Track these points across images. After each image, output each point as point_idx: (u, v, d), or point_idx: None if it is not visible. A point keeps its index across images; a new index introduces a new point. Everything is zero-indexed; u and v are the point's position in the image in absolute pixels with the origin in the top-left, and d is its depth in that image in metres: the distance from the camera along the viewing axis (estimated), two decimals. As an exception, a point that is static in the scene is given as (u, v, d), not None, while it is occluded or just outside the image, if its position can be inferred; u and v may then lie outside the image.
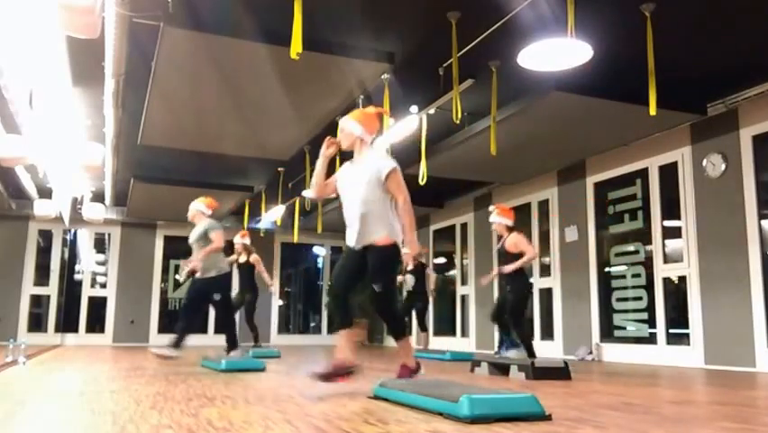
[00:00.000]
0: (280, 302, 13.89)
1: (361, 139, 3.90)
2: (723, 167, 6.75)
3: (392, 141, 6.54)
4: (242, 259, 8.53)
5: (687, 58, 5.59)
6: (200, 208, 6.30)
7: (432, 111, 6.23)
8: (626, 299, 7.91)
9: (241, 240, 8.63)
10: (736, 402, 3.71)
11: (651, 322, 7.51)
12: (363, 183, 3.77)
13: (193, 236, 6.13)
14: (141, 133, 7.15)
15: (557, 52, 4.64)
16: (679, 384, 4.96)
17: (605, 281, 8.27)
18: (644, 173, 7.75)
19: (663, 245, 7.46)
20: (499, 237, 5.82)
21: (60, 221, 11.21)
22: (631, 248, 7.93)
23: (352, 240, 3.82)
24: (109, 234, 12.70)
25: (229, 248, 7.34)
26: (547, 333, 9.04)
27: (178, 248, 12.89)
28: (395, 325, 4.06)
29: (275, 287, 9.19)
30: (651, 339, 7.49)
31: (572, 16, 4.24)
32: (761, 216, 6.40)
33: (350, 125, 3.91)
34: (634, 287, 7.80)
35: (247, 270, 8.52)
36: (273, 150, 8.03)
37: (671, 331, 7.29)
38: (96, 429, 2.44)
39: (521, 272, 5.60)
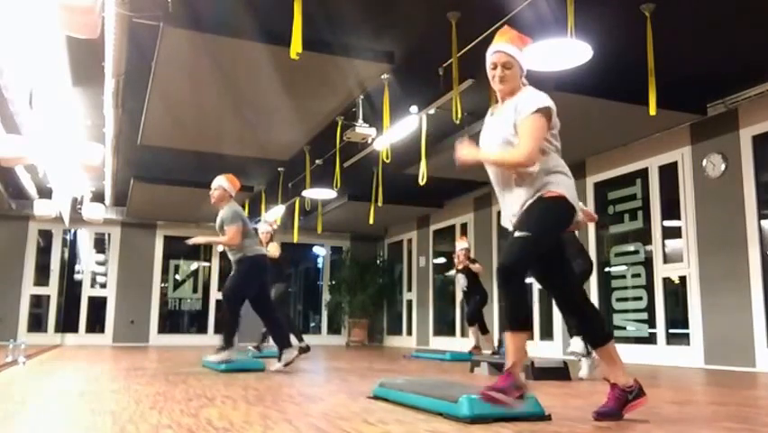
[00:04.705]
0: (280, 302, 13.88)
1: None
2: (723, 167, 6.75)
3: (392, 141, 6.54)
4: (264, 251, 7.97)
5: (687, 58, 5.59)
6: (224, 185, 5.63)
7: (432, 111, 6.23)
8: (626, 299, 7.91)
9: (266, 228, 8.03)
10: (736, 402, 3.71)
11: (651, 322, 7.51)
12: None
13: (216, 224, 5.62)
14: (141, 133, 7.16)
15: (557, 52, 4.63)
16: (679, 384, 4.96)
17: (605, 281, 8.27)
18: (644, 173, 7.75)
19: (663, 245, 7.46)
20: None
21: (60, 221, 11.20)
22: (631, 248, 7.93)
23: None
24: (109, 234, 12.70)
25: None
26: (547, 333, 9.04)
27: (177, 248, 12.90)
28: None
29: None
30: (651, 339, 7.49)
31: (572, 16, 4.24)
32: (761, 216, 6.40)
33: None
34: (634, 287, 7.80)
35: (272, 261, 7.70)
36: (273, 150, 8.03)
37: (670, 331, 7.29)
38: (96, 429, 2.44)
39: None
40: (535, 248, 2.67)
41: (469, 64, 5.26)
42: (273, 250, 7.79)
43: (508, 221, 2.83)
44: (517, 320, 2.61)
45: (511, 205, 2.79)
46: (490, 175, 2.91)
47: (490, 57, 2.89)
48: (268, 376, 5.08)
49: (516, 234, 2.65)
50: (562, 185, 2.74)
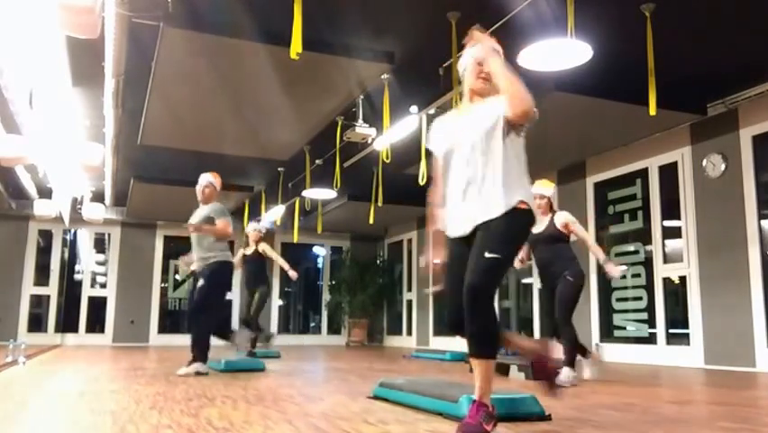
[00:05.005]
0: (280, 302, 13.89)
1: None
2: (723, 167, 6.75)
3: (392, 141, 6.53)
4: (250, 250, 7.96)
5: (687, 58, 5.59)
6: (214, 182, 5.52)
7: (432, 111, 6.23)
8: (625, 299, 7.91)
9: (257, 226, 8.09)
10: (735, 402, 3.71)
11: (651, 322, 7.51)
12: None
13: (195, 218, 5.42)
14: (141, 133, 7.16)
15: (557, 52, 4.64)
16: (679, 384, 4.96)
17: (605, 281, 8.27)
18: (644, 173, 7.75)
19: (663, 245, 7.46)
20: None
21: (60, 221, 11.21)
22: (631, 248, 7.93)
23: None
24: (109, 234, 12.70)
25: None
26: (547, 333, 9.03)
27: (177, 248, 12.90)
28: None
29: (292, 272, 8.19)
30: (651, 339, 7.49)
31: (572, 16, 4.24)
32: (761, 216, 6.40)
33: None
34: (634, 287, 7.80)
35: (257, 262, 7.99)
36: (273, 150, 8.03)
37: (671, 331, 7.29)
38: (96, 429, 2.44)
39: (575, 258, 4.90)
40: (504, 270, 2.50)
41: (469, 64, 5.25)
42: (266, 249, 7.92)
43: (461, 228, 2.55)
44: (487, 347, 2.42)
45: (478, 211, 2.51)
46: (459, 173, 2.58)
47: (472, 57, 2.67)
48: (268, 376, 5.08)
49: (487, 254, 2.40)
50: (530, 197, 2.58)
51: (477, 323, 2.40)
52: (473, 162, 2.54)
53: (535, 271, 9.37)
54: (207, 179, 5.58)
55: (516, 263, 4.68)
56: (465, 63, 2.71)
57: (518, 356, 4.67)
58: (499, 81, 2.52)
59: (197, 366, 5.04)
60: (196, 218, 5.45)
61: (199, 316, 5.27)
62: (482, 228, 2.48)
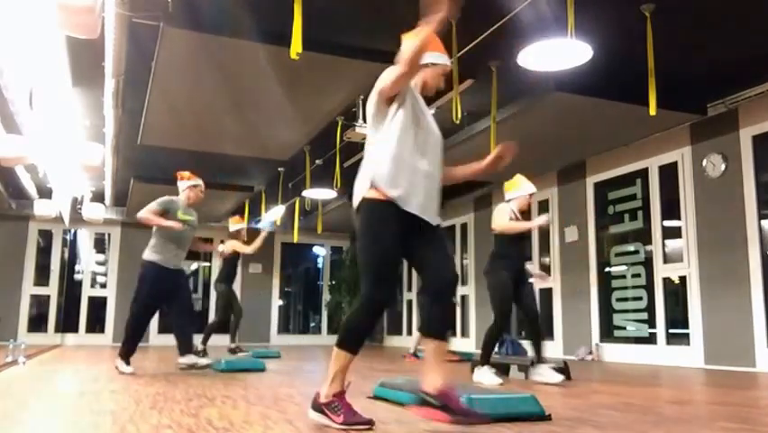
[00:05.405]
0: (280, 302, 13.89)
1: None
2: (723, 167, 6.75)
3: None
4: (245, 249, 7.87)
5: (687, 58, 5.59)
6: None
7: (432, 111, 6.22)
8: (626, 299, 7.91)
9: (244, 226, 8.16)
10: (736, 402, 3.71)
11: (651, 322, 7.51)
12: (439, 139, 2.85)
13: (195, 219, 5.93)
14: (141, 133, 7.16)
15: (557, 52, 4.64)
16: (679, 384, 4.96)
17: (605, 281, 8.27)
18: (644, 173, 7.75)
19: (663, 245, 7.46)
20: (522, 213, 5.03)
21: (60, 221, 11.20)
22: (631, 248, 7.93)
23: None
24: (109, 235, 12.70)
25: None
26: (547, 333, 9.04)
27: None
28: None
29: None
30: (651, 339, 7.49)
31: (572, 16, 4.24)
32: (761, 216, 6.40)
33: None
34: (634, 287, 7.80)
35: (234, 260, 8.03)
36: (273, 150, 8.03)
37: (671, 331, 7.29)
38: (96, 429, 2.44)
39: None
40: None
41: (469, 64, 5.25)
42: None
43: (420, 209, 2.72)
44: (448, 329, 2.67)
45: (434, 209, 2.80)
46: (426, 157, 2.75)
47: (448, 65, 2.96)
48: (268, 376, 5.08)
49: (450, 253, 2.78)
50: None
51: (448, 309, 2.70)
52: (436, 160, 2.80)
53: (536, 270, 9.37)
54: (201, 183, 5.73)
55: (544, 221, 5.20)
56: (434, 60, 2.90)
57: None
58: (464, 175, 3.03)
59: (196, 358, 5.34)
60: (189, 218, 5.67)
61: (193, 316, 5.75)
62: (436, 228, 2.76)
